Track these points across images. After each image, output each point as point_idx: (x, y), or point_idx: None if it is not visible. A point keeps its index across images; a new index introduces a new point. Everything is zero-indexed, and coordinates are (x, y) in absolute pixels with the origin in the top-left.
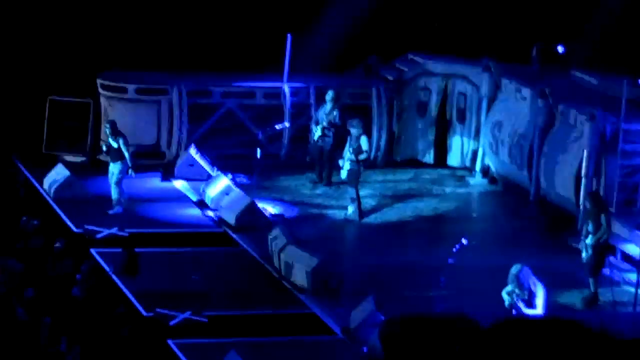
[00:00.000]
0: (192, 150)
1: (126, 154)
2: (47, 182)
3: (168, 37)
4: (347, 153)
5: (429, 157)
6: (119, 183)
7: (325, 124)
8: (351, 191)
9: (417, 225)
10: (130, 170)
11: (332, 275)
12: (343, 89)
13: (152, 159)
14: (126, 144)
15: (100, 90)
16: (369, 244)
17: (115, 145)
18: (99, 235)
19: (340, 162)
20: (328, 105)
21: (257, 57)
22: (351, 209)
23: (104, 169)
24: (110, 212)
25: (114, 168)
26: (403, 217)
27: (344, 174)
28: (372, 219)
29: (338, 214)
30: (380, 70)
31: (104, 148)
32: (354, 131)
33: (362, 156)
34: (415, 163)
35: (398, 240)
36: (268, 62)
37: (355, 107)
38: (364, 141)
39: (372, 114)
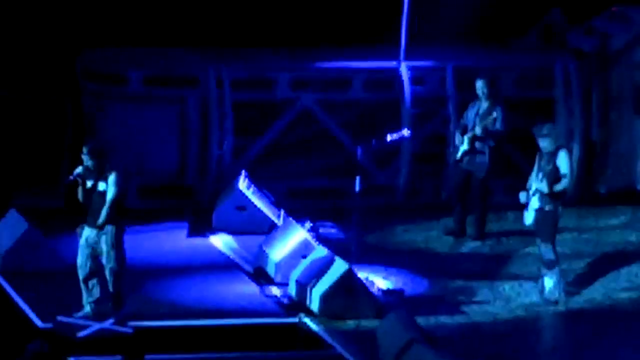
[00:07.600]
0: (242, 183)
1: (109, 199)
2: None
3: None
4: (535, 181)
5: None
6: (116, 263)
7: (476, 131)
8: (545, 249)
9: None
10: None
11: None
12: (505, 72)
13: (172, 197)
14: (119, 184)
15: (82, 83)
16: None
17: (103, 188)
18: (81, 333)
19: (521, 197)
20: (483, 102)
21: (348, 20)
22: (550, 282)
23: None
24: (79, 314)
25: (97, 234)
26: (619, 299)
27: (529, 218)
28: (576, 300)
29: (510, 293)
30: (567, 35)
31: (80, 194)
32: (545, 144)
33: (560, 185)
34: (633, 196)
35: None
36: (368, 30)
37: (528, 102)
38: (563, 160)
39: (555, 112)
